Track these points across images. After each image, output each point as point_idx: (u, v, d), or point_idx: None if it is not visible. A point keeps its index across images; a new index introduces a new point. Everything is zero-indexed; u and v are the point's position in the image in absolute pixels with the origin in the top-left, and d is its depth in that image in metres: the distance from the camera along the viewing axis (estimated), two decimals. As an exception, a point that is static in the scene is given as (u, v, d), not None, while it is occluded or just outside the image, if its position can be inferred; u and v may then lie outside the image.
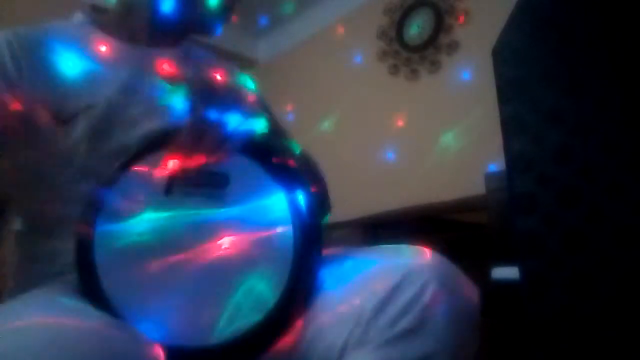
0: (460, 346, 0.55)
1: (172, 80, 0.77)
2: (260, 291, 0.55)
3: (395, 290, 0.54)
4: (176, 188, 0.59)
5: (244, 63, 3.21)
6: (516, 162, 0.57)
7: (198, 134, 0.59)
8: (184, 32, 0.84)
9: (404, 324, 0.53)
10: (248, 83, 0.91)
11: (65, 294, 0.56)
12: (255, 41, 3.36)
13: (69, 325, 0.44)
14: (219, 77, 0.81)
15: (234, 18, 0.86)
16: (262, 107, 0.90)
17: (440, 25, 2.52)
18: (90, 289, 0.55)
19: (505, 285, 1.14)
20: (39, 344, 0.41)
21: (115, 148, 0.69)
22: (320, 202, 0.81)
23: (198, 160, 0.59)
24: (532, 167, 0.56)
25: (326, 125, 2.78)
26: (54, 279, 0.63)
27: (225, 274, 0.56)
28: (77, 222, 0.58)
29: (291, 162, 0.63)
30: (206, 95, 0.62)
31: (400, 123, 2.58)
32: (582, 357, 0.53)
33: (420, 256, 0.58)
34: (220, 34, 0.85)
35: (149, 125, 0.72)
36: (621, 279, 0.50)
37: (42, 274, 0.67)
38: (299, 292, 0.57)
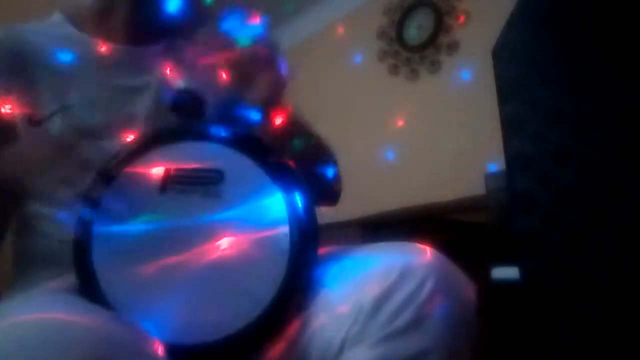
0: (457, 343, 0.55)
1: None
2: (258, 289, 0.55)
3: (392, 287, 0.54)
4: (170, 186, 0.59)
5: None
6: (516, 162, 0.57)
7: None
8: (164, 30, 0.80)
9: (401, 320, 0.53)
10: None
11: (65, 293, 0.56)
12: (255, 41, 3.35)
13: (69, 320, 0.44)
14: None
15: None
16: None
17: (440, 25, 2.52)
18: (89, 290, 0.56)
19: (505, 285, 1.14)
20: (39, 338, 0.41)
21: (93, 152, 0.67)
22: (328, 188, 0.81)
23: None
24: (532, 167, 0.56)
25: (326, 125, 2.77)
26: (53, 279, 0.63)
27: (224, 273, 0.56)
28: (74, 223, 0.58)
29: (286, 159, 0.63)
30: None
31: (400, 123, 2.58)
32: (582, 357, 0.53)
33: (418, 253, 0.58)
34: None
35: (128, 129, 0.70)
36: (621, 279, 0.51)
37: (41, 274, 0.67)
38: (295, 288, 0.57)
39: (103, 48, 0.76)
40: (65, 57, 0.73)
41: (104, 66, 0.75)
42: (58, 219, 0.69)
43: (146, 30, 0.79)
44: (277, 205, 0.58)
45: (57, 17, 0.80)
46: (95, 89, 0.72)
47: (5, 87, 0.68)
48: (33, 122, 0.68)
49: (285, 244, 0.56)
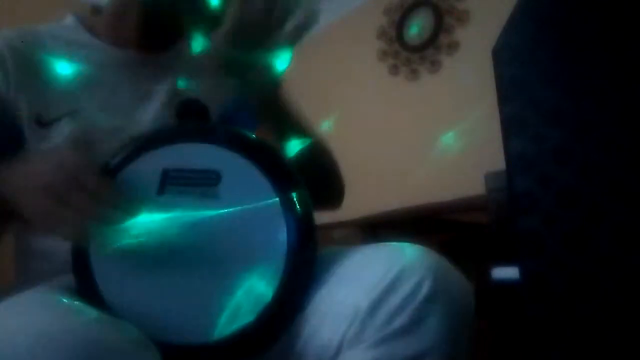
0: (454, 344, 0.55)
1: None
2: (258, 289, 0.55)
3: (390, 288, 0.54)
4: (168, 188, 0.59)
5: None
6: (516, 162, 0.57)
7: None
8: (176, 36, 0.82)
9: (399, 322, 0.53)
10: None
11: (62, 293, 0.56)
12: (255, 41, 3.35)
13: (65, 323, 0.44)
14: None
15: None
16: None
17: (440, 25, 2.52)
18: (87, 290, 0.56)
19: (505, 285, 1.14)
20: (33, 341, 0.41)
21: (101, 154, 0.67)
22: (328, 192, 0.80)
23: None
24: (532, 167, 0.56)
25: (326, 125, 2.77)
26: (52, 278, 0.63)
27: (223, 274, 0.56)
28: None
29: (284, 160, 0.63)
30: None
31: (400, 123, 2.58)
32: (582, 357, 0.53)
33: (416, 255, 0.58)
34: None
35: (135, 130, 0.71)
36: (621, 279, 0.50)
37: (40, 272, 0.67)
38: (294, 290, 0.57)
39: (115, 54, 0.77)
40: (77, 61, 0.74)
41: (115, 72, 0.75)
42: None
43: (157, 37, 0.79)
44: (274, 207, 0.58)
45: (70, 20, 0.80)
46: (105, 94, 0.73)
47: (15, 87, 0.69)
48: (41, 123, 0.69)
49: (284, 242, 0.57)
